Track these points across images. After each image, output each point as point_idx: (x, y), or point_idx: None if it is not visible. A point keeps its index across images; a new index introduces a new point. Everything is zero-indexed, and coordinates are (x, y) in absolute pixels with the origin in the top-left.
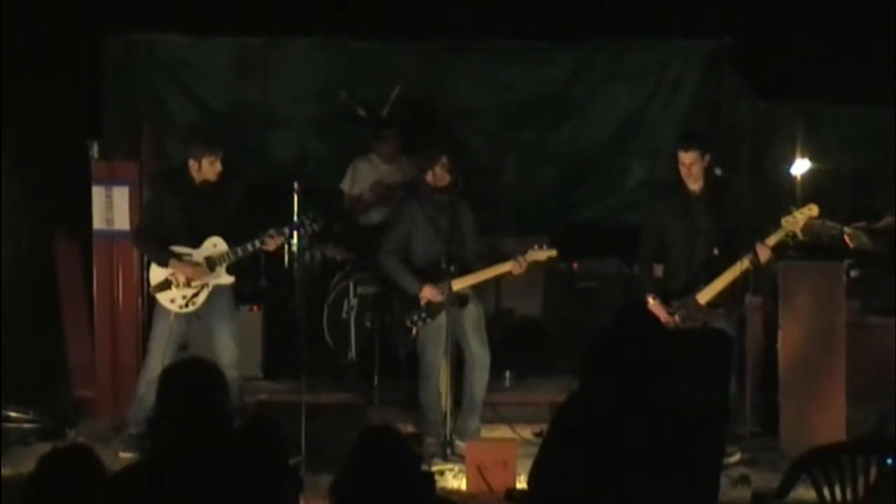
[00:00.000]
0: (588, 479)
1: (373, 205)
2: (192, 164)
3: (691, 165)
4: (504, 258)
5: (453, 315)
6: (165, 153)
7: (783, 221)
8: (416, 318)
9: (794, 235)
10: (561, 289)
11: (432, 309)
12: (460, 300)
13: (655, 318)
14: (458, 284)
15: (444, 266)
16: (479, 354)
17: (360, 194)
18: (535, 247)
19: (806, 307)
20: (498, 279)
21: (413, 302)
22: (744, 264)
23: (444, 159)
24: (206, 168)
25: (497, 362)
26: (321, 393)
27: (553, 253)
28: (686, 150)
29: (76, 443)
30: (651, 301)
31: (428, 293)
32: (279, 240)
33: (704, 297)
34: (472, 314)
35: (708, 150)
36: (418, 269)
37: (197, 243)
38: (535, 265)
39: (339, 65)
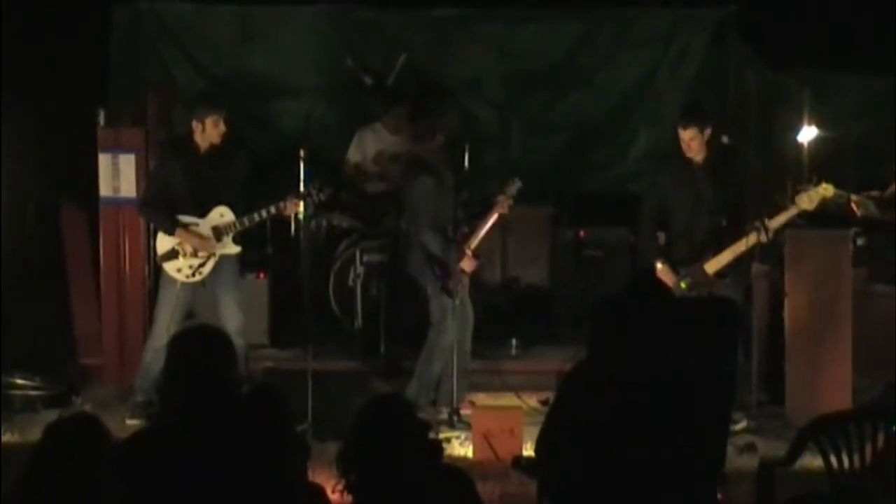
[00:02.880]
0: (594, 447)
1: (376, 175)
2: (196, 125)
3: (690, 141)
4: (489, 207)
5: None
6: (171, 121)
7: (797, 199)
8: (451, 284)
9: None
10: (567, 257)
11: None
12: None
13: (665, 287)
14: (470, 245)
15: (450, 233)
16: (464, 306)
17: (363, 164)
18: (508, 183)
19: (812, 275)
20: (504, 247)
21: (450, 270)
22: (752, 238)
23: (442, 123)
24: (210, 129)
25: (503, 330)
26: (327, 360)
27: (518, 184)
28: (685, 126)
29: (81, 412)
30: (660, 266)
31: (467, 265)
32: (297, 204)
33: (712, 267)
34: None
35: (709, 123)
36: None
37: (203, 212)
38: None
39: (345, 33)
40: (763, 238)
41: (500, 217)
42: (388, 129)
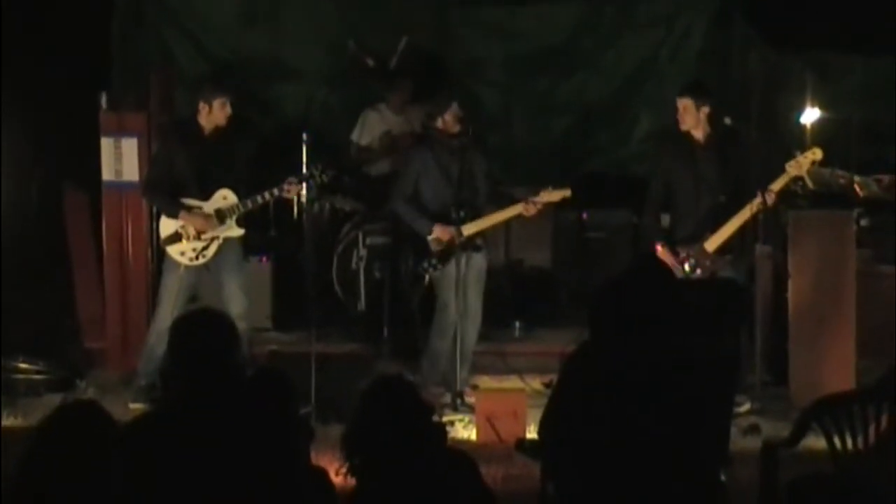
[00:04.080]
0: (598, 429)
1: (382, 155)
2: (203, 107)
3: (683, 112)
4: (514, 202)
5: (457, 263)
6: (173, 104)
7: (787, 166)
8: (426, 265)
9: (804, 183)
10: (570, 239)
11: (444, 255)
12: (473, 247)
13: (667, 268)
14: (470, 229)
15: (453, 214)
16: (474, 306)
17: (369, 144)
18: (550, 187)
19: (816, 256)
20: (507, 229)
21: (425, 249)
22: (749, 210)
23: (454, 107)
24: (217, 111)
25: (507, 313)
26: (331, 344)
27: (567, 192)
28: (680, 95)
29: (85, 398)
30: (660, 248)
31: (439, 231)
32: (298, 187)
33: (712, 244)
34: (478, 265)
35: (707, 101)
36: (429, 215)
37: (207, 195)
38: (548, 206)
39: (348, 15)
40: (761, 206)
41: (519, 216)
42: (392, 109)
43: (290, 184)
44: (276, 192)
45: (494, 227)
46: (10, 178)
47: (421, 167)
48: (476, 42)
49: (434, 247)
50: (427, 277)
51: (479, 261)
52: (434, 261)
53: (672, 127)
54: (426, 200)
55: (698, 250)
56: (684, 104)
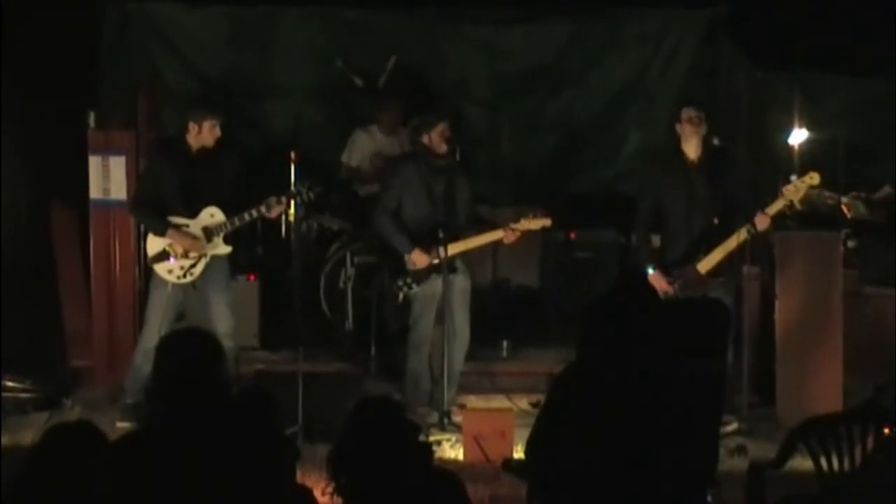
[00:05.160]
0: (585, 449)
1: (372, 177)
2: (192, 127)
3: (690, 126)
4: (495, 227)
5: (444, 284)
6: (161, 122)
7: (784, 190)
8: (401, 283)
9: (792, 204)
10: (557, 258)
11: (419, 275)
12: (450, 268)
13: (651, 287)
14: (448, 251)
15: (439, 233)
16: (461, 327)
17: (358, 166)
18: (530, 215)
19: (803, 277)
20: (495, 249)
21: (401, 266)
22: (742, 234)
23: (441, 126)
24: (206, 133)
25: (494, 332)
26: (318, 363)
27: (547, 222)
28: (687, 106)
29: (80, 419)
30: (651, 272)
31: (416, 258)
32: (282, 207)
33: (704, 266)
34: (461, 286)
35: (706, 118)
36: (409, 235)
37: (194, 213)
38: (527, 234)
39: (336, 34)
40: (753, 230)
41: (500, 242)
42: (382, 130)
43: (270, 203)
44: (256, 212)
45: (473, 250)
46: None
47: (405, 182)
48: (463, 61)
49: (410, 266)
50: (402, 295)
51: (460, 282)
52: (409, 279)
53: (661, 146)
54: (406, 217)
55: (690, 272)
56: (691, 117)
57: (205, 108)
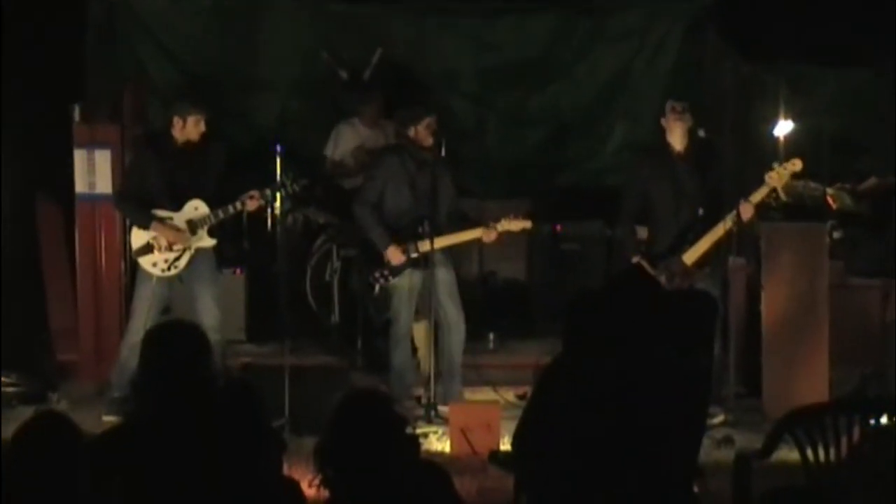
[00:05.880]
0: (571, 441)
1: (356, 170)
2: (177, 121)
3: (675, 119)
4: (476, 225)
5: (425, 279)
6: (146, 116)
7: (766, 177)
8: (378, 275)
9: (777, 196)
10: (544, 251)
11: (395, 267)
12: (426, 263)
13: (652, 280)
14: (426, 246)
15: (419, 228)
16: (454, 318)
17: (342, 159)
18: (511, 216)
19: (789, 269)
20: (479, 243)
21: (377, 258)
22: (727, 223)
23: (428, 120)
24: (191, 127)
25: (481, 325)
26: (304, 356)
27: (527, 224)
28: (675, 100)
29: (49, 410)
30: (636, 261)
31: (392, 255)
32: (259, 200)
33: (690, 257)
34: (444, 279)
35: (690, 111)
36: (386, 224)
37: (178, 207)
38: (507, 234)
39: (321, 26)
40: (738, 220)
41: (479, 240)
42: (365, 123)
43: (251, 196)
44: (240, 204)
45: (453, 247)
46: None
47: (389, 174)
48: (450, 54)
49: (386, 259)
50: (377, 288)
51: (444, 274)
52: (385, 272)
53: (648, 139)
54: (388, 209)
55: (676, 263)
56: (675, 109)
57: (189, 103)
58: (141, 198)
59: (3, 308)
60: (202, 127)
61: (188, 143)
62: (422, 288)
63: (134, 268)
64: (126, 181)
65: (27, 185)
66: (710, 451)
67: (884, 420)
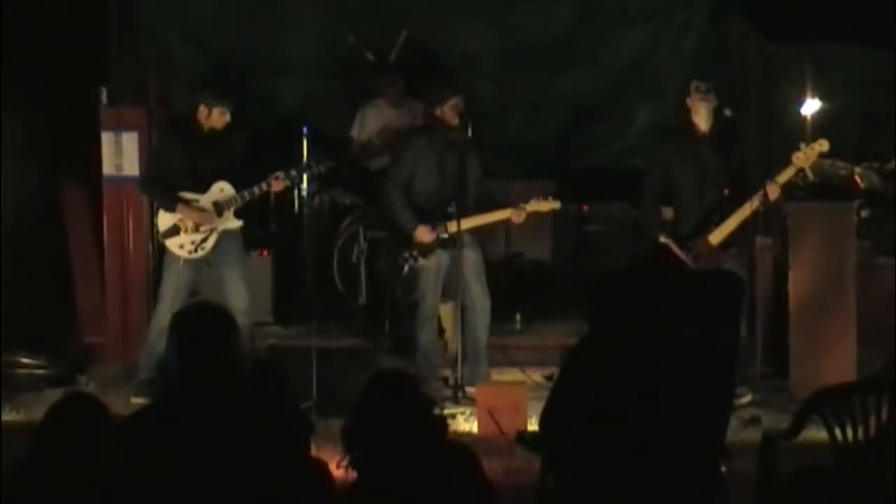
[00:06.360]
0: (598, 422)
1: (382, 150)
2: (203, 109)
3: (699, 99)
4: (503, 206)
5: (452, 260)
6: (172, 99)
7: (793, 157)
8: (407, 255)
9: (804, 175)
10: (570, 232)
11: (424, 248)
12: (454, 244)
13: (679, 261)
14: (455, 227)
15: (448, 208)
16: (479, 299)
17: (368, 140)
18: (540, 197)
19: (816, 248)
20: (506, 224)
21: (405, 240)
22: (754, 203)
23: (454, 100)
24: (216, 117)
25: (507, 306)
26: (331, 338)
27: (556, 205)
28: (699, 80)
29: (78, 391)
30: (663, 240)
31: (421, 234)
32: (284, 181)
33: (716, 237)
34: (471, 259)
35: (715, 91)
36: (415, 205)
37: (204, 188)
38: (535, 215)
39: (346, 9)
40: (765, 200)
41: (508, 221)
42: (389, 103)
43: (276, 177)
44: (266, 185)
45: (481, 228)
46: (10, 173)
47: (417, 155)
48: (472, 36)
49: (415, 241)
50: (406, 268)
51: (471, 255)
52: (414, 252)
53: (672, 120)
54: (417, 190)
55: (702, 243)
56: (700, 88)
57: (216, 95)
58: (166, 181)
59: (31, 291)
60: (227, 118)
61: (212, 129)
62: (449, 269)
63: (161, 251)
64: (150, 165)
65: (54, 168)
66: (737, 432)
67: None
